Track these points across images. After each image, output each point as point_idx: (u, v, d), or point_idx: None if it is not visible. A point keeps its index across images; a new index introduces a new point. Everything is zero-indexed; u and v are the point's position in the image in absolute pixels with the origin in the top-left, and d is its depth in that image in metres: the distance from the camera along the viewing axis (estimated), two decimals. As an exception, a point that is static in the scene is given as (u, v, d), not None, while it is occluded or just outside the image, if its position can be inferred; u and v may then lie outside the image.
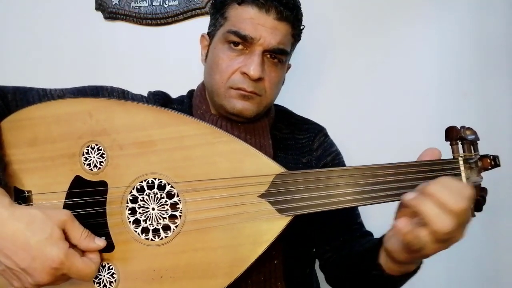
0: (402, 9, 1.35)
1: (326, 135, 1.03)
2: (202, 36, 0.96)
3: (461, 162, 0.61)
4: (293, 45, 0.93)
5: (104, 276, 0.69)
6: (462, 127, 0.66)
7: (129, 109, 0.70)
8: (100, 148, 0.70)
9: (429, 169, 0.60)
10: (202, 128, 0.68)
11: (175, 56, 1.33)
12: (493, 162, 0.66)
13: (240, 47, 0.85)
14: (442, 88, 1.36)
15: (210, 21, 0.94)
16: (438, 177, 0.57)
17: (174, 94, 1.02)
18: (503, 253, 1.35)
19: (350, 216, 0.95)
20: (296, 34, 0.91)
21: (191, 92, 1.00)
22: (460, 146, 0.66)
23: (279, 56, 0.87)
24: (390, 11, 1.35)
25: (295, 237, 0.81)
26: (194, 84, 0.99)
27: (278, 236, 0.66)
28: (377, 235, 0.90)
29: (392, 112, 1.35)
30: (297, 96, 1.34)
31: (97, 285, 0.69)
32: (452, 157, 0.64)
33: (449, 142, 0.66)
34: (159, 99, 0.96)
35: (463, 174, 0.60)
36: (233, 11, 0.86)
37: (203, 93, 0.94)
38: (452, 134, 0.63)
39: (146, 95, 0.97)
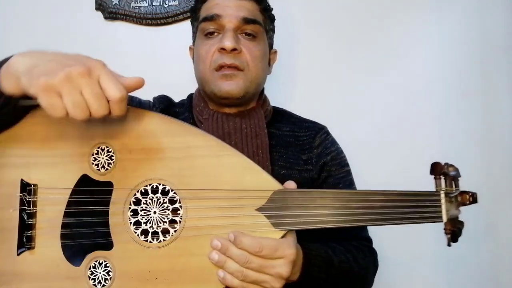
0: (402, 9, 1.38)
1: (327, 133, 1.05)
2: (190, 48, 1.04)
3: (442, 195, 0.66)
4: (267, 23, 0.99)
5: (100, 273, 0.71)
6: (446, 164, 0.71)
7: (141, 116, 0.74)
8: (110, 150, 0.73)
9: (413, 199, 0.66)
10: (209, 141, 0.72)
11: (175, 56, 1.34)
12: (471, 198, 0.70)
13: (215, 34, 0.92)
14: (442, 88, 1.38)
15: (192, 33, 1.02)
16: (419, 207, 0.64)
17: (174, 94, 1.06)
18: (503, 253, 1.38)
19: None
20: (263, 9, 0.97)
21: (191, 95, 1.05)
22: (442, 180, 0.70)
23: (252, 28, 0.93)
24: (390, 11, 1.38)
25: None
26: (193, 84, 1.03)
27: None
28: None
29: (392, 113, 1.38)
30: (297, 96, 1.37)
31: (92, 281, 0.71)
32: (435, 190, 0.68)
33: (433, 176, 0.70)
34: (162, 102, 1.01)
35: (443, 207, 0.65)
36: (203, 10, 0.96)
37: (201, 91, 1.00)
38: (436, 169, 0.68)
39: (151, 100, 1.02)
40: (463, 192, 0.70)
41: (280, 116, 1.05)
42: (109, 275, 0.71)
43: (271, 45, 1.04)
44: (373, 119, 1.38)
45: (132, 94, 0.97)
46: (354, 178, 1.05)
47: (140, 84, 0.68)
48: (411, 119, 1.38)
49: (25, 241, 0.73)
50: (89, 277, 0.72)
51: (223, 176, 0.70)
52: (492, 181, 1.38)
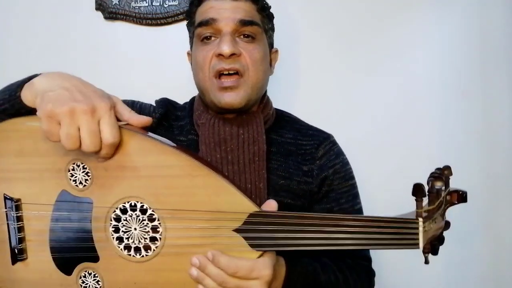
0: (402, 9, 1.36)
1: (333, 142, 1.00)
2: (187, 53, 1.01)
3: (420, 223, 0.64)
4: (265, 23, 0.95)
5: (90, 281, 0.74)
6: (430, 179, 0.66)
7: None
8: (85, 166, 0.73)
9: (389, 226, 0.64)
10: (183, 160, 0.71)
11: (175, 56, 1.34)
12: (461, 197, 0.68)
13: (212, 39, 0.89)
14: (442, 88, 1.37)
15: (189, 38, 0.99)
16: (396, 233, 0.63)
17: (174, 94, 1.05)
18: (503, 253, 1.38)
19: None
20: (261, 8, 0.93)
21: (193, 98, 1.03)
22: (425, 200, 0.67)
23: (250, 30, 0.89)
24: (390, 11, 1.37)
25: None
26: (193, 84, 1.01)
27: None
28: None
29: (392, 113, 1.37)
30: (297, 96, 1.37)
31: None
32: (415, 214, 0.65)
33: (415, 198, 0.66)
34: (162, 106, 1.00)
35: (420, 235, 0.63)
36: (198, 14, 0.93)
37: (200, 96, 0.97)
38: (418, 192, 0.64)
39: (154, 104, 1.01)
40: (453, 192, 0.68)
41: (284, 122, 1.00)
42: (98, 284, 0.74)
43: (271, 45, 0.99)
44: (373, 119, 1.38)
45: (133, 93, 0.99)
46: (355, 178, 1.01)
47: (146, 124, 0.73)
48: (411, 119, 1.38)
49: (17, 253, 0.75)
50: (81, 286, 0.74)
51: (199, 196, 0.70)
52: (492, 181, 1.38)
